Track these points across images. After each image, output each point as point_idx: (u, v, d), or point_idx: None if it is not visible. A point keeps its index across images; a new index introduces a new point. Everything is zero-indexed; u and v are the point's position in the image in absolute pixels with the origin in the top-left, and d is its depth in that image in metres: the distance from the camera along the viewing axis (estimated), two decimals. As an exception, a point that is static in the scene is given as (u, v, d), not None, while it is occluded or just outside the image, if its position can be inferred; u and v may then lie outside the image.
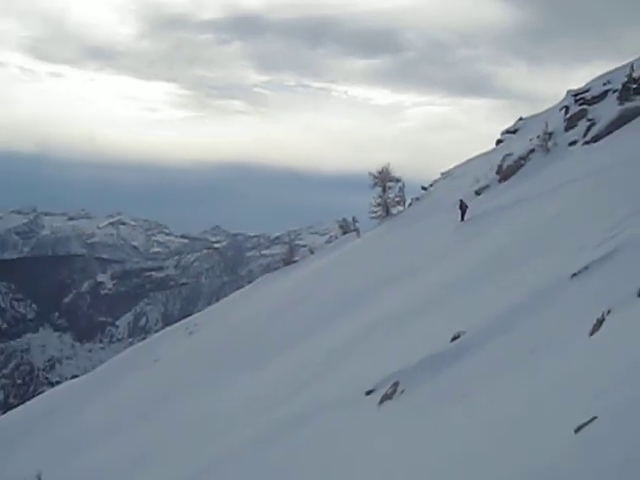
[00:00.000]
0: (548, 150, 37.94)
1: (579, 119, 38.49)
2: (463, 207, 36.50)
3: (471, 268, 24.23)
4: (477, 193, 39.65)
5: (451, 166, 53.58)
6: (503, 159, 40.50)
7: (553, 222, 24.65)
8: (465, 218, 36.25)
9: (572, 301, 14.31)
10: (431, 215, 40.82)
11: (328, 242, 70.64)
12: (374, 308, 26.92)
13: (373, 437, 12.55)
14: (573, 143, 37.02)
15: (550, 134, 38.33)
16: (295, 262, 57.13)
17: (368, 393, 15.28)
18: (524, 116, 50.24)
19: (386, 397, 14.38)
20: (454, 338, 15.43)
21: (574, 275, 15.52)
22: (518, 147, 41.17)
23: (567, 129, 38.89)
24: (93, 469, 26.22)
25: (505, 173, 39.45)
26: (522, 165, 38.88)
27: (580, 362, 10.60)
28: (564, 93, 43.71)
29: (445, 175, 52.63)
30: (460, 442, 9.82)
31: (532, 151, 39.09)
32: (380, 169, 48.37)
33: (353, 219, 55.55)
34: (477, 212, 34.60)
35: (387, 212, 48.80)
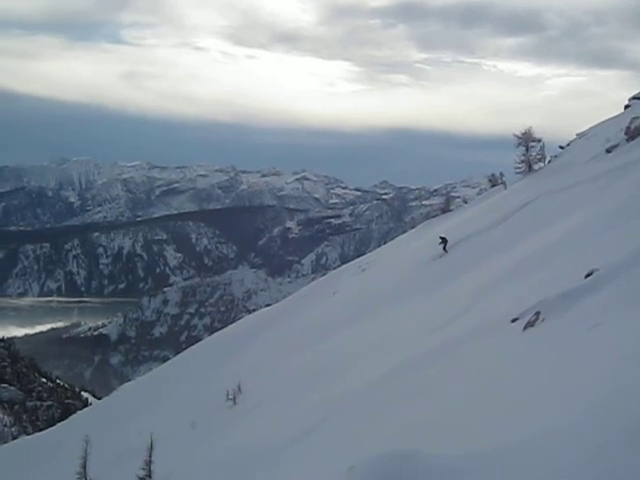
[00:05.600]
0: (671, 112, 36.72)
1: (700, 85, 37.07)
2: (444, 242, 37.47)
3: (600, 216, 23.71)
4: (608, 151, 38.65)
5: (585, 128, 52.22)
6: (631, 121, 39.30)
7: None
8: (446, 249, 37.30)
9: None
10: (567, 169, 40.02)
11: (479, 194, 69.89)
12: (519, 248, 26.70)
13: (519, 356, 12.57)
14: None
15: (673, 98, 37.03)
16: (451, 211, 56.93)
17: (513, 321, 15.22)
18: (650, 84, 48.37)
19: (529, 324, 14.31)
20: (588, 275, 15.20)
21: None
22: (644, 111, 39.89)
23: (688, 94, 37.52)
24: (283, 377, 26.93)
25: (632, 133, 38.29)
26: (648, 126, 37.76)
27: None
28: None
29: (580, 136, 51.33)
30: (591, 361, 9.78)
31: (657, 114, 37.90)
32: (524, 131, 47.70)
33: (500, 174, 54.82)
34: (609, 167, 33.65)
35: (530, 168, 48.11)
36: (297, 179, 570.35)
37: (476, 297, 22.07)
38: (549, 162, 48.33)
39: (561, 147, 51.45)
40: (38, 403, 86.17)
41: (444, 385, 13.24)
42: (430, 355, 16.44)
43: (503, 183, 51.67)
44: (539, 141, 48.22)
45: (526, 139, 47.77)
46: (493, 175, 56.18)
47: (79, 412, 55.80)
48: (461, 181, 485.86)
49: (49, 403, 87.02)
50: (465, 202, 60.31)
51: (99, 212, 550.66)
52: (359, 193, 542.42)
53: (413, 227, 64.25)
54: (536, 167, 47.94)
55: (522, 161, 48.66)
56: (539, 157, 48.47)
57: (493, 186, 54.92)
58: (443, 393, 12.64)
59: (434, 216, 59.89)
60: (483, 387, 11.50)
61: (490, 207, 43.64)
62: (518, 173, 49.52)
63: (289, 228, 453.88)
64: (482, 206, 47.13)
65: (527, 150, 48.20)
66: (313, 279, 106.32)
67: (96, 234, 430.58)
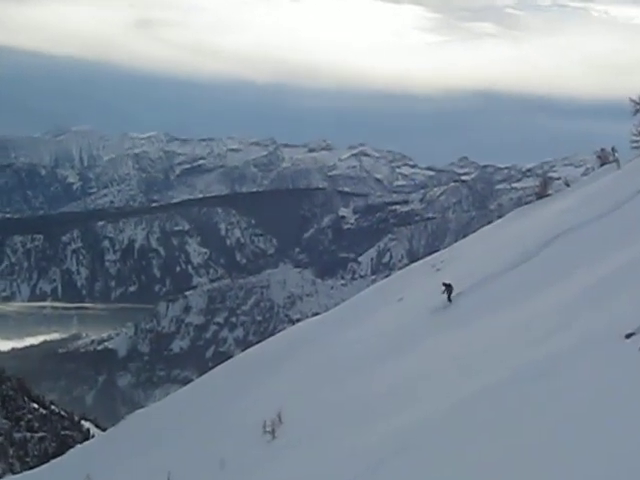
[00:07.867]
0: None
1: None
2: (449, 290, 36.62)
3: None
4: None
5: None
6: None
7: None
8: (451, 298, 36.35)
9: None
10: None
11: (584, 174, 69.59)
12: (636, 245, 26.42)
13: (633, 381, 12.56)
14: None
15: None
16: (549, 196, 56.60)
17: (628, 336, 15.18)
18: None
19: (647, 341, 14.26)
20: None
21: None
22: None
23: None
24: (335, 405, 26.89)
25: None
26: None
27: None
28: None
29: None
30: None
31: None
32: (643, 94, 47.30)
33: (612, 149, 54.26)
34: None
35: (651, 141, 47.73)
36: (354, 155, 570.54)
37: (580, 305, 21.93)
38: (676, 135, 47.88)
39: (693, 114, 50.98)
40: (28, 434, 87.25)
41: (536, 415, 13.23)
42: (521, 377, 16.42)
43: (616, 161, 51.24)
44: (663, 107, 47.78)
45: (646, 105, 47.36)
46: (603, 150, 55.74)
47: (78, 446, 56.52)
48: (562, 158, 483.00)
49: (41, 434, 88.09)
50: (567, 185, 59.93)
51: (105, 196, 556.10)
52: (432, 173, 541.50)
53: (500, 216, 64.18)
54: (659, 141, 47.54)
55: (640, 133, 48.27)
56: (663, 128, 48.04)
57: (603, 165, 54.52)
58: (533, 426, 12.65)
59: (527, 202, 59.67)
60: (583, 420, 11.49)
61: (599, 192, 43.30)
62: (635, 148, 49.05)
63: (343, 217, 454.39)
64: (588, 190, 46.77)
65: (647, 119, 47.79)
66: (373, 281, 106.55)
67: (101, 223, 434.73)
